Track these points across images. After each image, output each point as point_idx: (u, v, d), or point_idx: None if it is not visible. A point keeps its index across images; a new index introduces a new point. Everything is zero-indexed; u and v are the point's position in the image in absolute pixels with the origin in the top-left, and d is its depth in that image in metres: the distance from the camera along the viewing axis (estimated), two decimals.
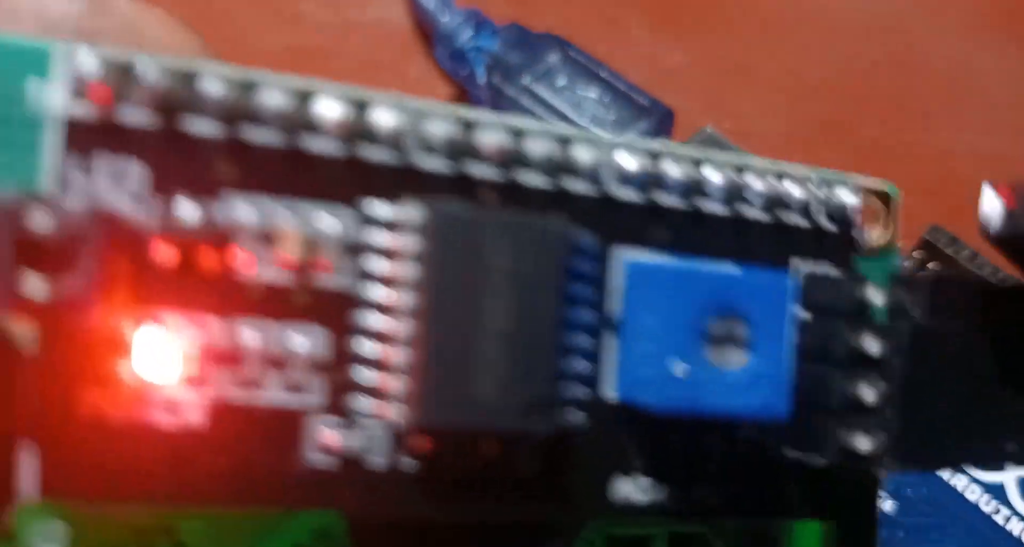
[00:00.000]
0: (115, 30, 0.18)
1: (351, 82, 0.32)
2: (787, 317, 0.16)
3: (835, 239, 0.18)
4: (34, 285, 0.13)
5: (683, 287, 0.15)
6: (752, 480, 0.17)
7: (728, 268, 0.16)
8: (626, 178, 0.17)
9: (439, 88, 0.40)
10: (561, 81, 0.37)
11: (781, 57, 0.41)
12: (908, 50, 0.42)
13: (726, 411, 0.15)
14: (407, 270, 0.15)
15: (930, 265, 0.27)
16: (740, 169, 0.18)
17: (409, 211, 0.15)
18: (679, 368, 0.15)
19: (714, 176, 0.17)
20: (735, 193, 0.17)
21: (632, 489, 0.16)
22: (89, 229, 0.14)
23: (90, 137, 0.14)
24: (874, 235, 0.19)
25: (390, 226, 0.15)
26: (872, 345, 0.16)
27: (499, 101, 0.37)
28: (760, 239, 0.18)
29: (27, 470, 0.14)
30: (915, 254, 0.27)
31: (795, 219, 0.18)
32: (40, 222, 0.13)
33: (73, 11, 0.17)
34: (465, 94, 0.39)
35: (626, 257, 0.16)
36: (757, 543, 0.18)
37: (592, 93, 0.37)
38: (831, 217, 0.18)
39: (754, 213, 0.18)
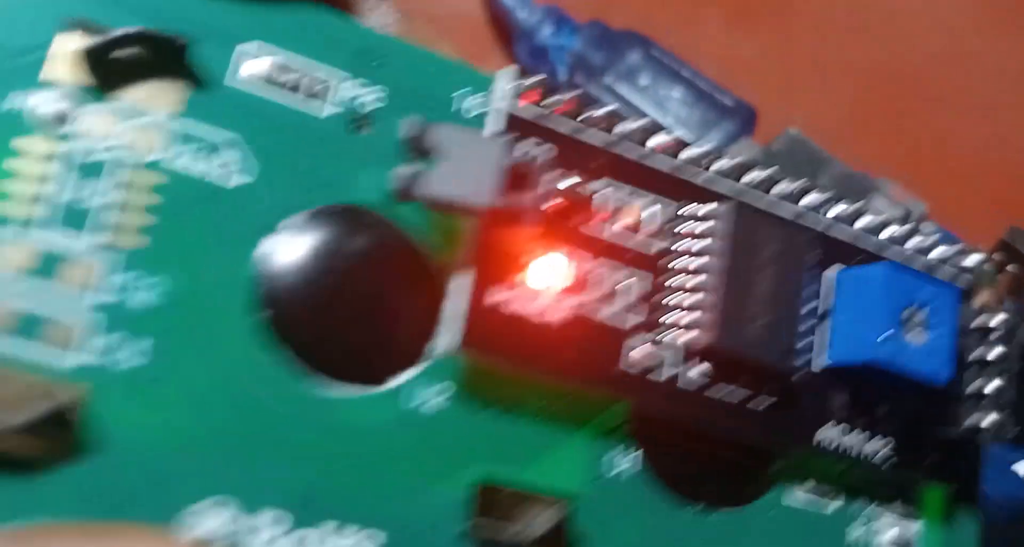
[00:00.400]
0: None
1: None
2: (953, 315, 0.22)
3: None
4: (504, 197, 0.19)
5: (882, 286, 0.22)
6: (908, 441, 0.23)
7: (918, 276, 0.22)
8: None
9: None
10: (644, 80, 0.35)
11: (852, 48, 0.40)
12: (976, 45, 0.41)
13: (909, 370, 0.21)
14: (708, 243, 0.21)
15: (1009, 267, 0.25)
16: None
17: (720, 206, 0.21)
18: (881, 337, 0.21)
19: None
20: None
21: (827, 435, 0.22)
22: (533, 171, 0.19)
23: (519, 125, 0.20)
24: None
25: (696, 216, 0.22)
26: (992, 352, 0.23)
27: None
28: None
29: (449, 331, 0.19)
30: (994, 257, 0.25)
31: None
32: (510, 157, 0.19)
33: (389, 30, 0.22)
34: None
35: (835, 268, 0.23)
36: (902, 494, 0.24)
37: (676, 92, 0.35)
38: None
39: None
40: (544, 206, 0.20)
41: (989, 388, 0.22)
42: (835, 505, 0.23)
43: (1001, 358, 0.23)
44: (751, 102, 0.36)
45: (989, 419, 0.22)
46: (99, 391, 0.18)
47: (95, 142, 0.19)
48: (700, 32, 0.40)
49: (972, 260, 0.24)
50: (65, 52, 0.19)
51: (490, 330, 0.20)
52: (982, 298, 0.24)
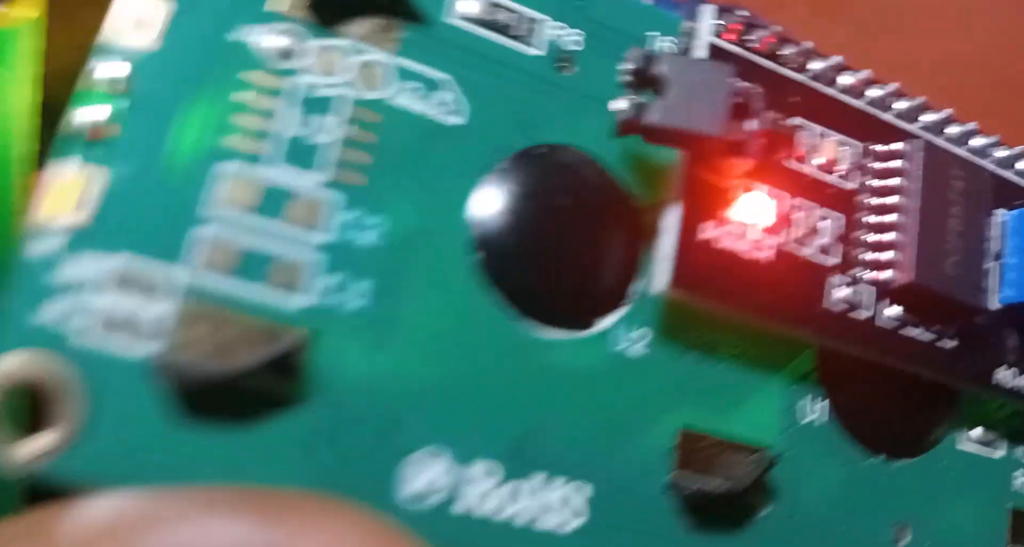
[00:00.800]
0: None
1: None
2: None
3: None
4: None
5: None
6: None
7: None
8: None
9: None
10: None
11: (939, 34, 0.41)
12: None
13: None
14: (899, 182, 0.21)
15: None
16: None
17: (910, 144, 0.21)
18: None
19: None
20: None
21: (1003, 375, 0.22)
22: (755, 99, 0.19)
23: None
24: None
25: (887, 155, 0.21)
26: None
27: None
28: None
29: (661, 270, 0.19)
30: None
31: None
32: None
33: None
34: None
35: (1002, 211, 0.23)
36: None
37: None
38: None
39: None
40: (763, 136, 0.20)
41: None
42: (1003, 450, 0.23)
43: None
44: None
45: None
46: (323, 334, 0.17)
47: (319, 78, 0.18)
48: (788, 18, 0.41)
49: None
50: None
51: (700, 268, 0.19)
52: None
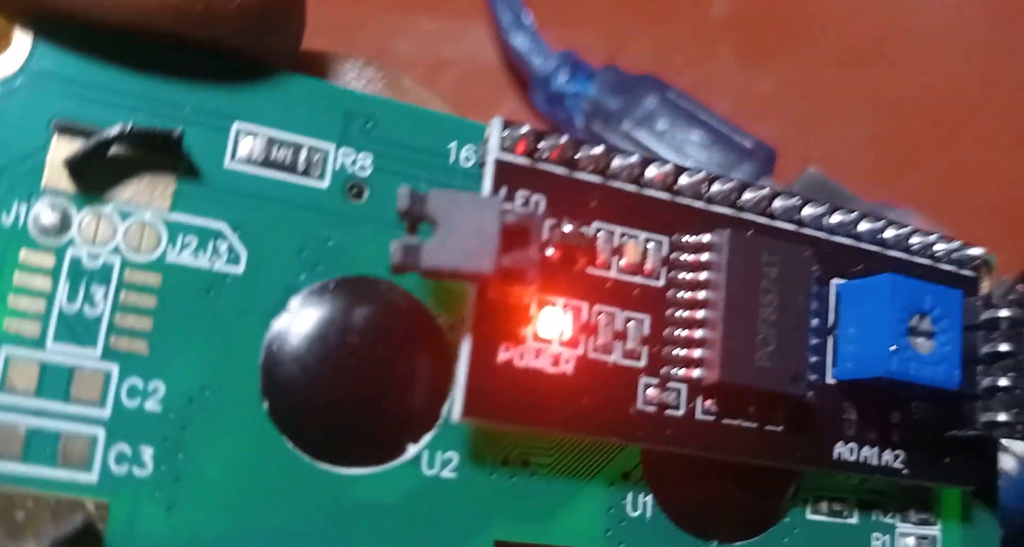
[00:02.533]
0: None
1: None
2: (958, 319, 0.22)
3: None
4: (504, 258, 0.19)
5: (887, 295, 0.22)
6: (923, 448, 0.23)
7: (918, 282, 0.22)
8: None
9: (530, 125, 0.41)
10: (662, 125, 0.36)
11: (867, 82, 0.41)
12: (995, 71, 0.41)
13: (920, 380, 0.21)
14: (710, 276, 0.21)
15: None
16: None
17: (716, 235, 0.21)
18: (889, 349, 0.21)
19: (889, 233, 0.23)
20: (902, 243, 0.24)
21: (843, 449, 0.22)
22: (533, 225, 0.19)
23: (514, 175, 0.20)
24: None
25: (694, 248, 0.21)
26: (1003, 346, 0.23)
27: None
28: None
29: (456, 398, 0.19)
30: (1018, 287, 0.24)
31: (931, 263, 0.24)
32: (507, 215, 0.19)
33: (376, 91, 0.21)
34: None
35: (837, 282, 0.23)
36: (919, 501, 0.24)
37: (694, 136, 0.36)
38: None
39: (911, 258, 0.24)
40: (543, 259, 0.20)
41: (1003, 382, 0.22)
42: (856, 517, 0.23)
43: (1010, 352, 0.23)
44: (768, 136, 0.37)
45: (1004, 415, 0.22)
46: (117, 503, 0.18)
47: (90, 248, 0.19)
48: (714, 68, 0.42)
49: (974, 252, 0.24)
50: (60, 157, 0.18)
51: (496, 391, 0.20)
52: (986, 287, 0.24)
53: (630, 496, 0.21)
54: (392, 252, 0.18)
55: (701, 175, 0.22)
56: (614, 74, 0.38)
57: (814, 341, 0.22)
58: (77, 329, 0.18)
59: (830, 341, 0.22)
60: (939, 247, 0.24)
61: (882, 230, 0.23)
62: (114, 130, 0.18)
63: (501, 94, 0.41)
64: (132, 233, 0.19)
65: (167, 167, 0.19)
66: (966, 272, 0.24)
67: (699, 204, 0.22)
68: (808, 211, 0.23)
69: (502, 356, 0.20)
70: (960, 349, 0.22)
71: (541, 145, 0.20)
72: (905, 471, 0.23)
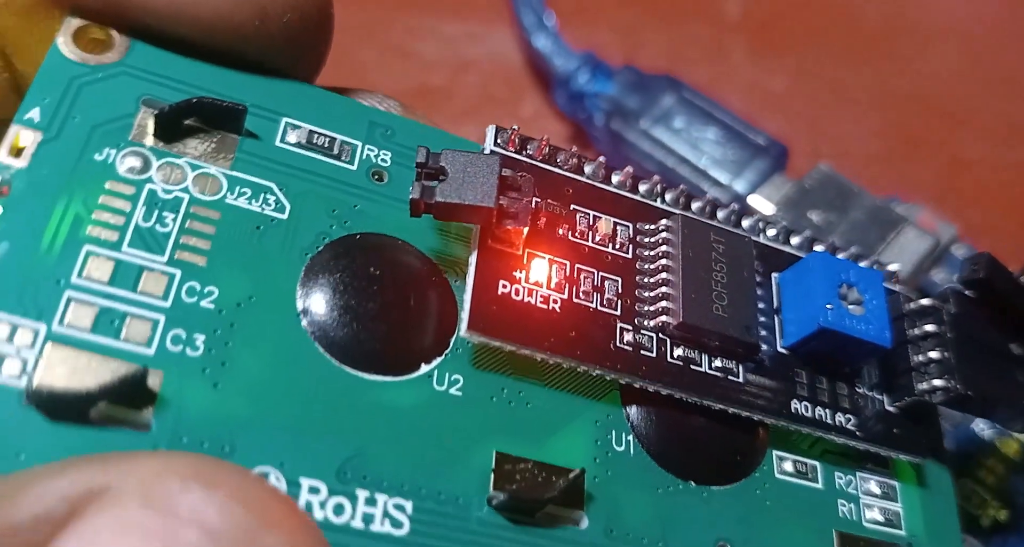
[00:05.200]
0: None
1: (467, 120, 0.38)
2: (881, 292, 0.26)
3: None
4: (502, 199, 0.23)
5: (819, 268, 0.26)
6: (872, 416, 0.26)
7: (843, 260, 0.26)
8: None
9: (551, 123, 0.41)
10: (678, 123, 0.37)
11: (876, 76, 0.42)
12: (1002, 64, 0.42)
13: (856, 333, 0.25)
14: (668, 249, 0.26)
15: None
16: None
17: (671, 220, 0.26)
18: (826, 305, 0.25)
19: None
20: None
21: (799, 406, 0.25)
22: (524, 182, 0.24)
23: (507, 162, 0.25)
24: None
25: (653, 233, 0.26)
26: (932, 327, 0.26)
27: (618, 144, 0.38)
28: None
29: (463, 317, 0.23)
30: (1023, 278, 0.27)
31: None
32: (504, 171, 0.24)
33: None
34: (582, 133, 0.40)
35: (775, 274, 0.27)
36: (878, 462, 0.27)
37: (710, 134, 0.37)
38: None
39: None
40: (534, 206, 0.24)
41: (933, 355, 0.26)
42: (821, 483, 0.26)
43: (936, 333, 0.26)
44: (780, 130, 0.38)
45: (938, 381, 0.26)
46: (169, 375, 0.21)
47: (169, 186, 0.23)
48: (727, 66, 0.43)
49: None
50: (145, 121, 0.23)
51: (496, 315, 0.23)
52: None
53: (614, 432, 0.24)
54: (411, 192, 0.23)
55: (655, 179, 0.27)
56: (632, 74, 0.39)
57: (762, 319, 0.26)
58: (149, 240, 0.22)
59: (776, 320, 0.26)
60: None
61: (809, 244, 0.28)
62: (194, 99, 0.23)
63: (522, 94, 0.41)
64: (199, 179, 0.23)
65: (231, 135, 0.24)
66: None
67: (655, 203, 0.27)
68: (746, 223, 0.27)
69: (501, 289, 0.23)
70: (886, 313, 0.26)
71: (529, 146, 0.26)
72: (858, 433, 0.26)
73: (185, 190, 0.23)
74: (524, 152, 0.26)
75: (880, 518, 0.26)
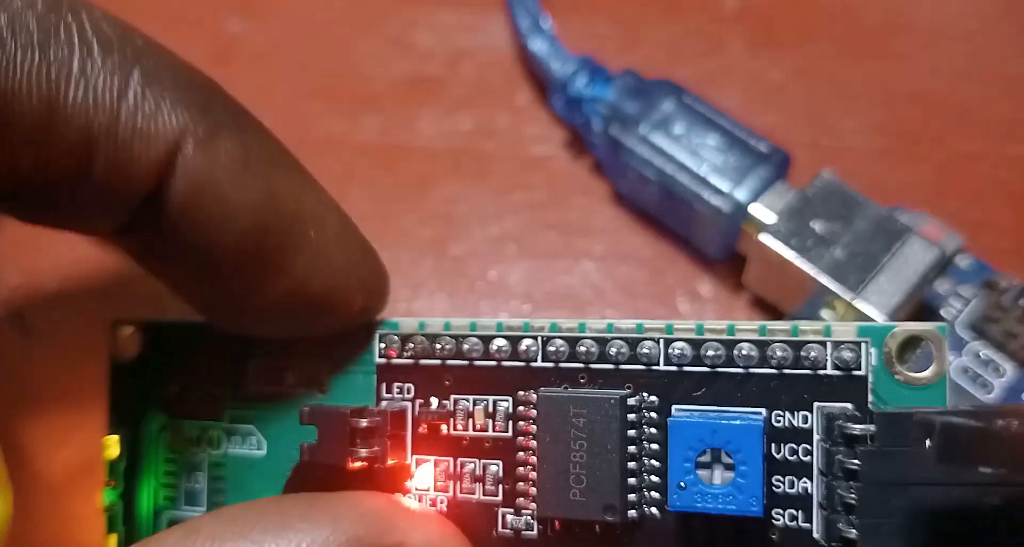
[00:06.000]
0: None
1: (462, 110, 0.39)
2: (759, 448, 0.24)
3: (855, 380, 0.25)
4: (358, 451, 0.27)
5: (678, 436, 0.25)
6: None
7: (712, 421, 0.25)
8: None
9: (544, 117, 0.41)
10: (678, 129, 0.36)
11: (877, 71, 0.41)
12: (1005, 62, 0.40)
13: (718, 511, 0.24)
14: (534, 426, 0.27)
15: None
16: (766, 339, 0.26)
17: (533, 394, 0.27)
18: (680, 485, 0.24)
19: (745, 348, 0.26)
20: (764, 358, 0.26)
21: None
22: (384, 422, 0.27)
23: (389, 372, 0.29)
24: (929, 372, 0.24)
25: (524, 404, 0.28)
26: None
27: (616, 150, 0.38)
28: (785, 388, 0.26)
29: None
30: None
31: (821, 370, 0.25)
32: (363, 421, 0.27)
33: None
34: (579, 139, 0.40)
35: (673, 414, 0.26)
36: None
37: (710, 140, 0.36)
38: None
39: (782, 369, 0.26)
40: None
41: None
42: None
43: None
44: (779, 126, 0.38)
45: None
46: None
47: None
48: (726, 59, 0.42)
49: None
50: None
51: None
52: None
53: None
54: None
55: (542, 337, 0.28)
56: (632, 79, 0.38)
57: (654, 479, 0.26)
58: None
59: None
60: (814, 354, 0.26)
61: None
62: None
63: (517, 86, 0.42)
64: None
65: None
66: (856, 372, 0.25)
67: (544, 364, 0.28)
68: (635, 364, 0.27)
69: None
70: (760, 477, 0.24)
71: (407, 346, 0.29)
72: None
73: None
74: (404, 353, 0.29)
75: None
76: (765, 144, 0.36)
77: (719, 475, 0.25)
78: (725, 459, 0.25)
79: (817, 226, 0.34)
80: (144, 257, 0.28)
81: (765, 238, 0.35)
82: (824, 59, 0.41)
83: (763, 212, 0.35)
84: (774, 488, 0.25)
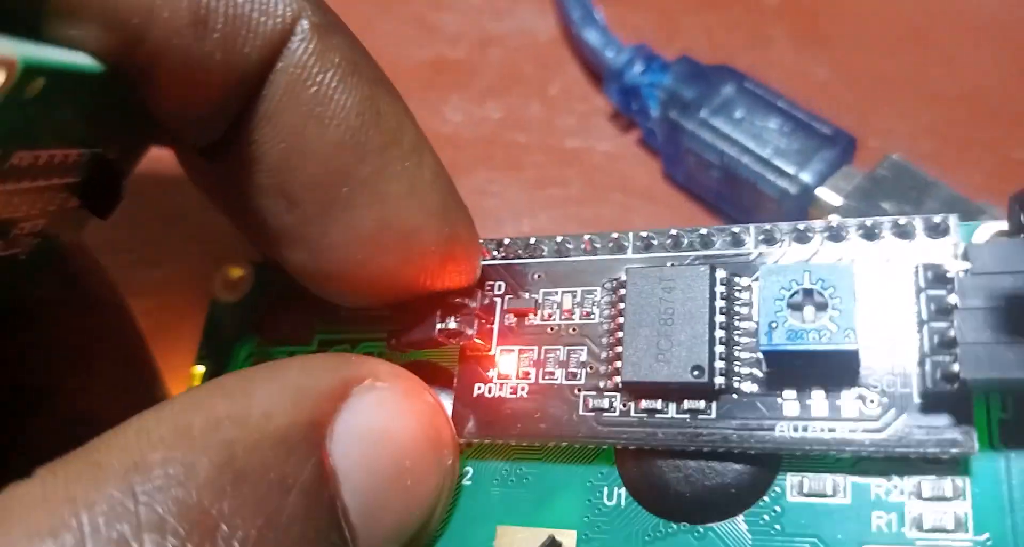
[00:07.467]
0: None
1: (492, 98, 0.39)
2: (852, 292, 0.24)
3: None
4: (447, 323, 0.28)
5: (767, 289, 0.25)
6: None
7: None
8: None
9: (580, 109, 0.40)
10: (739, 113, 0.36)
11: (924, 68, 0.39)
12: None
13: (812, 347, 0.24)
14: (623, 304, 0.27)
15: None
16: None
17: (623, 274, 0.27)
18: (772, 325, 0.24)
19: None
20: None
21: (788, 429, 0.25)
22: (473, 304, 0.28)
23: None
24: None
25: (616, 288, 0.28)
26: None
27: (676, 135, 0.37)
28: None
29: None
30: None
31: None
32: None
33: None
34: (634, 125, 0.39)
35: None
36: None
37: (772, 124, 0.35)
38: None
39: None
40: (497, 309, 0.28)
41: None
42: (847, 491, 0.25)
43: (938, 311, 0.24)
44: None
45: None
46: None
47: None
48: (771, 54, 0.41)
49: None
50: None
51: (473, 418, 0.27)
52: None
53: (606, 489, 0.26)
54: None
55: (615, 235, 0.28)
56: (689, 65, 0.38)
57: (747, 341, 0.26)
58: None
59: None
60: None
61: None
62: None
63: (551, 75, 0.40)
64: None
65: None
66: None
67: (618, 256, 0.28)
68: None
69: (476, 392, 0.28)
70: (852, 316, 0.24)
71: (496, 251, 0.29)
72: (868, 443, 0.24)
73: None
74: (495, 256, 0.29)
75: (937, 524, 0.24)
76: (829, 127, 0.36)
77: (811, 313, 0.24)
78: (818, 298, 0.25)
79: (888, 207, 0.34)
80: (230, 183, 0.25)
81: (836, 220, 0.34)
82: (869, 56, 0.40)
83: (830, 195, 0.35)
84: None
